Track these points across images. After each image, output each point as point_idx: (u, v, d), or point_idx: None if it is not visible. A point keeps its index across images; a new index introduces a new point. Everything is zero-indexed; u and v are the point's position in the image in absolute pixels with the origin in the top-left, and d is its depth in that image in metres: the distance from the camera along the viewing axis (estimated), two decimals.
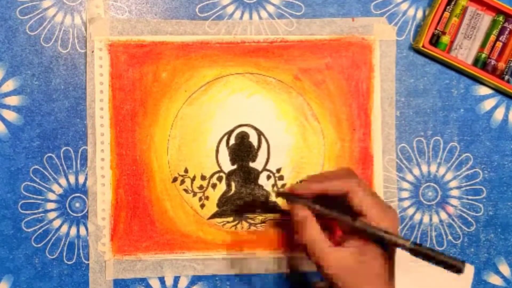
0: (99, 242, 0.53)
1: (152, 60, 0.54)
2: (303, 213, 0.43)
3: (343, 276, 0.41)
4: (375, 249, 0.42)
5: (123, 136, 0.53)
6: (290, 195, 0.45)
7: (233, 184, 0.54)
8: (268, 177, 0.55)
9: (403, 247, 0.41)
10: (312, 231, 0.42)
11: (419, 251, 0.41)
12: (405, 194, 0.55)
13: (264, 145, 0.55)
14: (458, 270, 0.40)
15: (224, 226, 0.54)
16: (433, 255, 0.40)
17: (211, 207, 0.54)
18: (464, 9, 0.55)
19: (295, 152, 0.55)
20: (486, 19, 0.55)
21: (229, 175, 0.54)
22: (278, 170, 0.55)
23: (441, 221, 0.55)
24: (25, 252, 0.53)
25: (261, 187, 0.54)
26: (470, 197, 0.55)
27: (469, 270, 0.47)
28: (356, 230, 0.42)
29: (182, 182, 0.54)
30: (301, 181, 0.52)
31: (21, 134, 0.53)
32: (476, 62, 0.54)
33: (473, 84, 0.55)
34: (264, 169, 0.55)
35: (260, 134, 0.55)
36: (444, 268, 0.40)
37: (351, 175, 0.45)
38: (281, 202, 0.54)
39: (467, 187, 0.55)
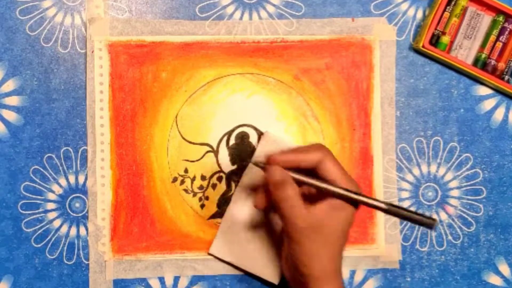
0: (99, 242, 0.53)
1: (152, 60, 0.54)
2: (282, 173, 0.44)
3: (310, 233, 0.43)
4: (343, 207, 0.44)
5: (123, 136, 0.53)
6: (267, 165, 0.45)
7: (233, 184, 0.54)
8: None
9: (379, 208, 0.43)
10: (292, 191, 0.44)
11: (393, 211, 0.43)
12: (405, 194, 0.55)
13: None
14: (430, 226, 0.43)
15: None
16: (407, 215, 0.43)
17: (211, 207, 0.54)
18: (464, 9, 0.55)
19: None
20: (486, 19, 0.55)
21: (229, 175, 0.54)
22: None
23: (441, 221, 0.55)
24: (25, 252, 0.53)
25: None
26: (470, 197, 0.55)
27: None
28: (325, 195, 0.44)
29: (182, 182, 0.54)
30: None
31: (21, 134, 0.53)
32: (476, 62, 0.54)
33: (473, 84, 0.55)
34: None
35: (260, 134, 0.55)
36: (417, 224, 0.43)
37: (320, 148, 0.46)
38: None
39: (467, 187, 0.55)
